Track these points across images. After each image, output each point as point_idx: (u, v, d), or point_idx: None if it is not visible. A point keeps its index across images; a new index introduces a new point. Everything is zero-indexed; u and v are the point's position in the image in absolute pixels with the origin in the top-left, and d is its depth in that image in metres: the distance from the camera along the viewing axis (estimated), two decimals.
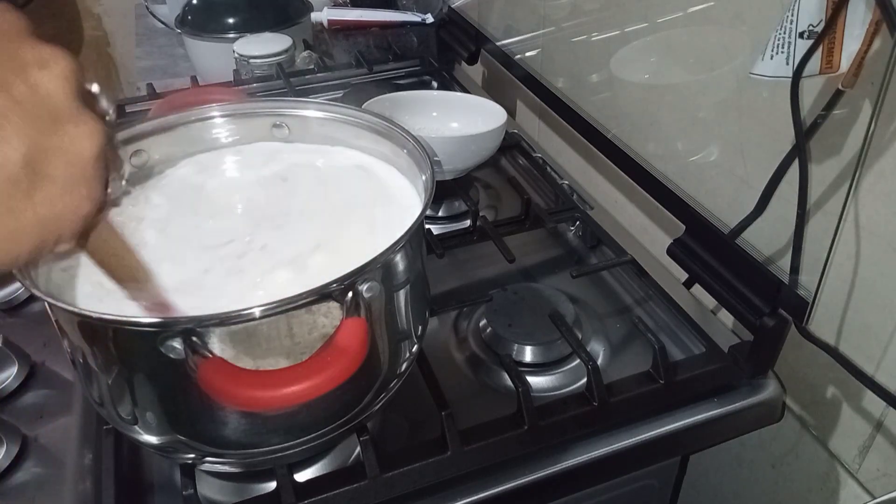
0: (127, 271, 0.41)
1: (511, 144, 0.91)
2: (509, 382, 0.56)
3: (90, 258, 0.38)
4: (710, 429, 0.57)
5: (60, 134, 0.26)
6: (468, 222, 0.77)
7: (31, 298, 0.68)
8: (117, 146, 0.32)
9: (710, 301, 0.67)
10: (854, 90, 0.47)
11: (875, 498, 0.54)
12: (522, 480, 0.52)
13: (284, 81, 1.02)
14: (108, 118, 0.31)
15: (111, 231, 0.38)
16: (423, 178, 0.51)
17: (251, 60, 1.08)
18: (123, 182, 0.33)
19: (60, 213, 0.27)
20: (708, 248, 0.62)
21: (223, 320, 0.39)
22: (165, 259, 0.47)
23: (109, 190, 0.31)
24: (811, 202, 0.53)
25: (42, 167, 0.26)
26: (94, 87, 0.31)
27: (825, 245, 0.51)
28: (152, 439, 0.46)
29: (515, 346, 0.63)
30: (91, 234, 0.33)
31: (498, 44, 0.99)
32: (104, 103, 0.32)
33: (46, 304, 0.40)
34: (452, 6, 1.14)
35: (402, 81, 1.10)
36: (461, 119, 0.87)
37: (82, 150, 0.27)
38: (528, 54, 0.93)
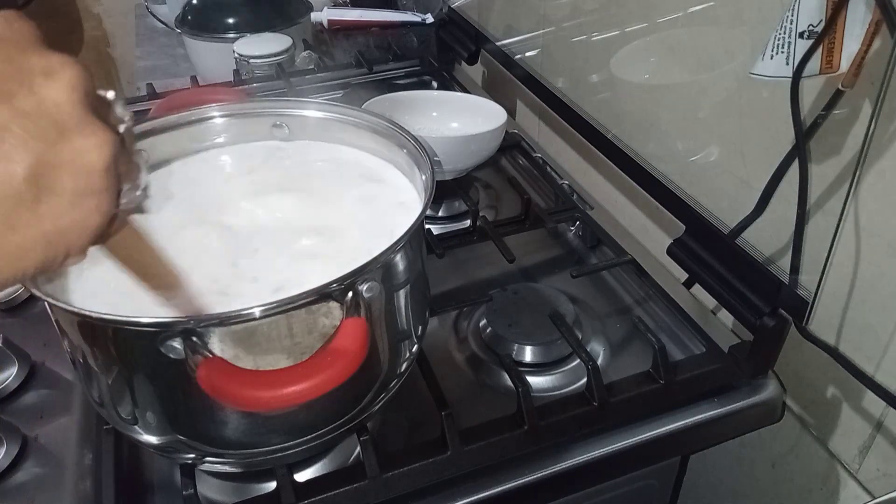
0: (157, 279, 0.40)
1: (511, 144, 0.91)
2: (509, 382, 0.56)
3: (120, 266, 0.37)
4: (710, 429, 0.57)
5: (67, 146, 0.26)
6: (468, 222, 0.77)
7: (31, 298, 0.68)
8: (132, 154, 0.30)
9: (710, 301, 0.67)
10: (854, 90, 0.47)
11: (875, 498, 0.54)
12: (522, 480, 0.52)
13: (284, 81, 1.02)
14: (124, 126, 0.30)
15: (138, 238, 0.37)
16: (423, 178, 0.51)
17: (251, 60, 1.08)
18: (139, 192, 0.31)
19: (67, 227, 0.26)
20: (708, 248, 0.62)
21: (223, 320, 0.39)
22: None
23: (124, 200, 0.30)
24: (811, 202, 0.53)
25: (47, 181, 0.25)
26: (109, 94, 0.30)
27: (825, 245, 0.51)
28: (152, 439, 0.46)
29: (515, 346, 0.63)
30: (116, 243, 0.33)
31: (498, 44, 0.99)
32: (119, 110, 0.30)
33: (46, 304, 0.40)
34: (452, 6, 1.14)
35: (402, 81, 1.10)
36: (461, 119, 0.87)
37: (89, 161, 0.26)
38: (528, 54, 0.93)
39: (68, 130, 0.26)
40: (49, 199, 0.25)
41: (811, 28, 0.45)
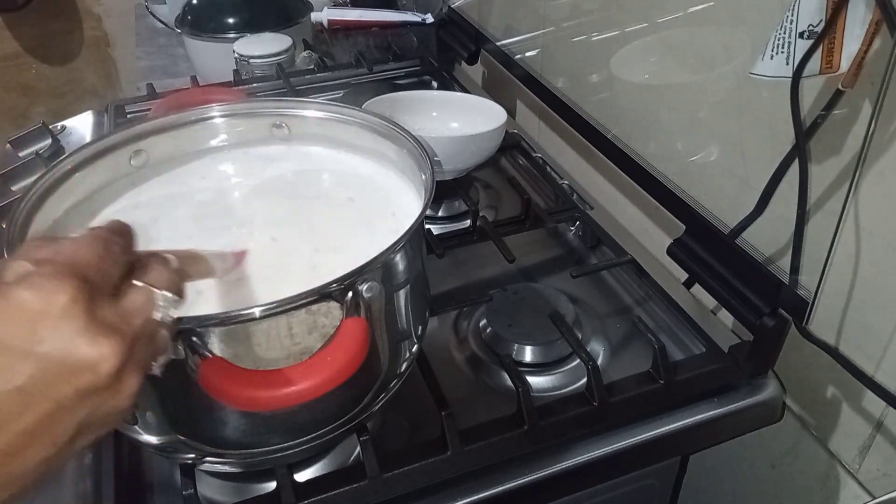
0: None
1: (511, 144, 0.91)
2: (509, 382, 0.56)
3: None
4: (710, 429, 0.57)
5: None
6: (468, 222, 0.77)
7: None
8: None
9: (710, 301, 0.67)
10: (854, 90, 0.47)
11: (875, 498, 0.54)
12: (522, 480, 0.52)
13: (284, 81, 1.02)
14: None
15: None
16: (423, 178, 0.51)
17: (251, 60, 1.08)
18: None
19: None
20: (708, 248, 0.62)
21: (223, 320, 0.39)
22: None
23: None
24: (811, 202, 0.53)
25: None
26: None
27: (825, 245, 0.51)
28: (152, 439, 0.46)
29: (515, 346, 0.63)
30: None
31: (498, 44, 0.99)
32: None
33: None
34: (452, 6, 1.14)
35: (402, 81, 1.10)
36: (461, 119, 0.87)
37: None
38: (528, 54, 0.93)
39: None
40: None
41: (811, 28, 0.45)
